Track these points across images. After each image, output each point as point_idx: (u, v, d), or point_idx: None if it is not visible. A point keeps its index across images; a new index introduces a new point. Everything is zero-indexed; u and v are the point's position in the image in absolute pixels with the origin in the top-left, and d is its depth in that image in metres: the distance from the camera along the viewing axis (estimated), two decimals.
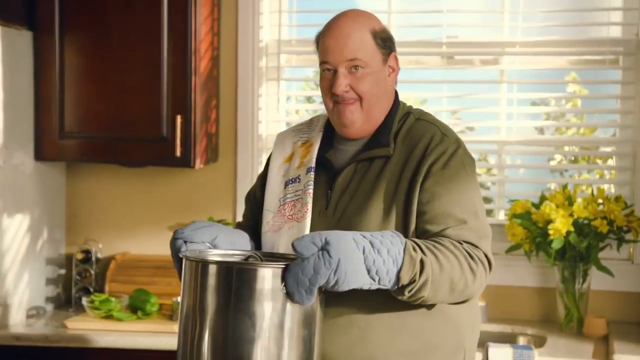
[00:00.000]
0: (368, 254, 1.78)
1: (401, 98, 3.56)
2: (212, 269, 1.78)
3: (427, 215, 1.97)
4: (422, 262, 1.84)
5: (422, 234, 1.97)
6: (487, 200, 3.59)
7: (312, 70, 3.68)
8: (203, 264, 1.80)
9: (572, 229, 3.11)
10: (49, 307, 3.49)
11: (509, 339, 3.24)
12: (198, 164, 3.33)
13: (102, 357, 3.13)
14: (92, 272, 3.48)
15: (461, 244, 1.93)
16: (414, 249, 1.84)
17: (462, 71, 3.53)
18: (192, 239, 1.95)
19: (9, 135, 3.22)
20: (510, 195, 3.46)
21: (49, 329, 3.21)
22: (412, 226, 1.98)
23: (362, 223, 1.99)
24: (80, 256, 3.48)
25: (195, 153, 3.31)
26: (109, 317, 3.25)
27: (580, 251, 3.17)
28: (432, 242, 1.90)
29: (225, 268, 1.78)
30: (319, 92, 3.64)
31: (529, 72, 3.49)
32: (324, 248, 1.74)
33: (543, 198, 3.24)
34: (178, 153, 3.27)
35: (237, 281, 1.74)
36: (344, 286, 1.77)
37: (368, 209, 2.00)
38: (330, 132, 2.15)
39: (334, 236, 1.76)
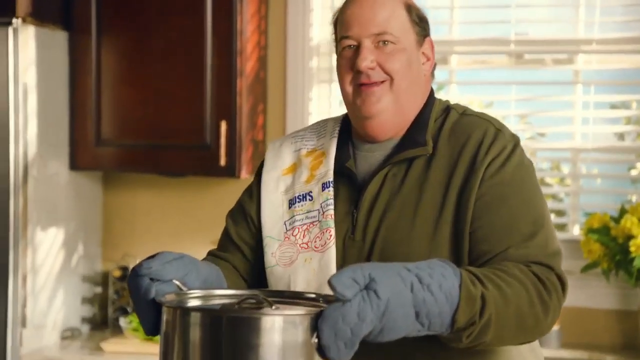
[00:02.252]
0: (417, 292, 1.48)
1: (465, 101, 3.48)
2: (217, 320, 1.41)
3: (483, 231, 1.70)
4: (483, 297, 1.55)
5: (478, 256, 1.70)
6: (560, 213, 3.53)
7: None
8: (204, 314, 1.44)
9: None
10: (85, 328, 3.52)
11: None
12: (244, 173, 3.32)
13: None
14: None
15: (528, 266, 1.65)
16: (473, 283, 1.55)
17: (532, 71, 3.49)
18: (162, 277, 1.56)
19: (43, 143, 3.26)
20: (586, 207, 3.41)
21: (85, 352, 3.23)
22: (466, 248, 1.71)
23: (404, 248, 1.72)
24: (117, 273, 3.48)
25: (241, 162, 3.30)
26: (148, 339, 3.22)
27: None
28: (492, 270, 1.62)
29: (239, 319, 1.40)
30: None
31: (607, 72, 3.45)
32: (369, 287, 1.43)
33: (623, 211, 3.18)
34: (222, 162, 3.26)
35: (252, 336, 1.39)
36: (389, 336, 1.47)
37: (410, 228, 1.73)
38: (345, 139, 1.87)
39: (378, 271, 1.45)
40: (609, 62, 3.41)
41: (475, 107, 3.62)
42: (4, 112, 3.08)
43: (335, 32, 1.85)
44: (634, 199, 3.40)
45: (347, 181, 1.82)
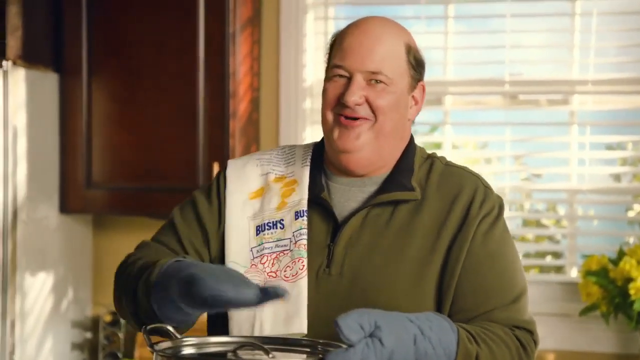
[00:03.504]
0: (419, 344, 1.50)
1: (459, 142, 3.51)
2: None
3: (471, 286, 1.70)
4: (477, 356, 1.59)
5: (461, 310, 1.70)
6: (557, 255, 3.54)
7: None
8: None
9: None
10: None
11: None
12: None
13: None
14: (121, 335, 3.47)
15: (512, 330, 1.70)
16: (469, 340, 1.59)
17: (527, 112, 3.50)
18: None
19: (33, 186, 3.25)
20: (584, 250, 3.41)
21: None
22: (449, 300, 1.71)
23: (389, 292, 1.69)
24: (108, 318, 3.48)
25: None
26: None
27: None
28: (482, 330, 1.65)
29: None
30: None
31: (603, 112, 3.45)
32: (374, 334, 1.44)
33: (621, 253, 3.18)
34: None
35: None
36: None
37: (396, 272, 1.71)
38: (317, 167, 1.83)
39: (384, 319, 1.46)
40: (605, 103, 3.41)
41: (470, 148, 3.65)
42: None
43: (329, 55, 1.81)
44: (631, 240, 3.40)
45: (322, 212, 1.77)
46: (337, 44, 1.77)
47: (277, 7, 3.52)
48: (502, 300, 1.71)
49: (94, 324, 3.57)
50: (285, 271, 1.72)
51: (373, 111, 1.74)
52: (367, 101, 1.73)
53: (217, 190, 1.84)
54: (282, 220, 1.77)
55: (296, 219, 1.76)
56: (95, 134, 3.36)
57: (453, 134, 3.52)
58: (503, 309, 1.70)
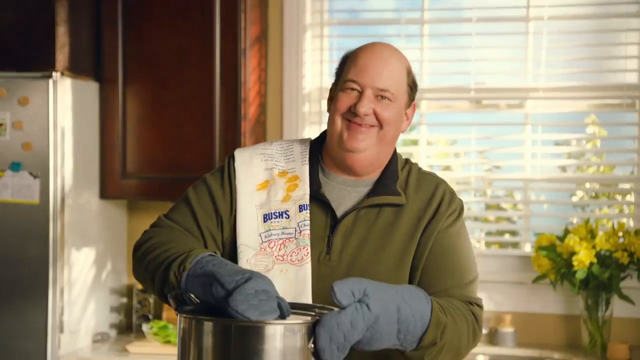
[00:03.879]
0: (402, 310, 1.50)
1: (433, 139, 3.52)
2: (226, 329, 1.41)
3: (434, 269, 1.74)
4: (445, 325, 1.60)
5: (425, 288, 1.70)
6: (513, 233, 3.54)
7: None
8: (215, 323, 1.42)
9: (594, 260, 3.06)
10: (113, 333, 3.49)
11: None
12: None
13: None
14: (151, 300, 3.46)
15: (468, 305, 1.72)
16: (440, 311, 1.60)
17: (489, 114, 3.49)
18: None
19: (77, 177, 3.24)
20: (536, 229, 3.41)
21: (113, 354, 3.20)
22: (417, 279, 1.74)
23: (374, 273, 1.70)
24: (140, 286, 3.47)
25: None
26: (167, 342, 3.23)
27: (602, 281, 3.09)
28: (448, 303, 1.67)
29: (245, 328, 1.39)
30: None
31: (552, 115, 3.44)
32: (362, 300, 1.45)
33: (567, 231, 3.19)
34: None
35: (257, 342, 1.39)
36: (375, 346, 1.48)
37: (382, 259, 1.72)
38: (314, 165, 1.81)
39: (372, 288, 1.47)
40: (553, 107, 3.41)
41: (442, 144, 3.67)
42: (45, 151, 3.08)
43: (341, 68, 1.80)
44: (575, 221, 3.40)
45: (321, 206, 1.77)
46: (352, 62, 1.77)
47: (281, 27, 3.50)
48: (459, 281, 1.74)
49: (128, 291, 3.57)
50: (291, 256, 1.71)
51: (379, 121, 1.75)
52: (375, 113, 1.75)
53: (228, 178, 1.80)
54: (288, 211, 1.75)
55: (300, 211, 1.75)
56: (129, 133, 3.36)
57: (428, 133, 3.52)
58: (460, 288, 1.74)
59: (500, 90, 3.45)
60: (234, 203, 1.78)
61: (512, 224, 3.55)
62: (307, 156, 1.82)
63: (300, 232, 1.72)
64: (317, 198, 1.77)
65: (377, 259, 1.73)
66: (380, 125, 1.76)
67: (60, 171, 3.14)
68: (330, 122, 1.78)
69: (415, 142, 3.56)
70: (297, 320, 1.45)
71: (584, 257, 3.04)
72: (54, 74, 3.10)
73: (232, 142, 3.26)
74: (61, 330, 3.12)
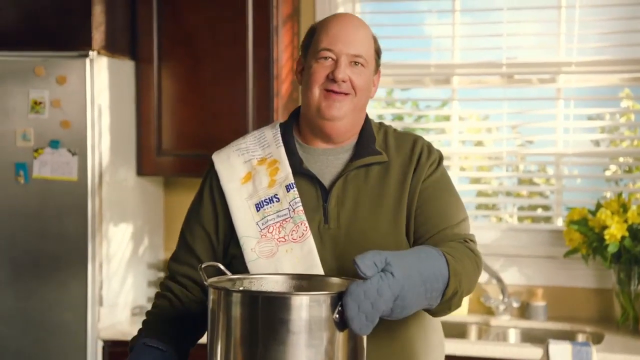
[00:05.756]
0: (423, 273, 1.52)
1: (465, 115, 3.50)
2: (254, 300, 1.43)
3: (426, 214, 1.78)
4: (459, 273, 1.63)
5: (424, 233, 1.77)
6: (546, 208, 3.54)
7: (383, 91, 3.68)
8: (243, 294, 1.44)
9: (626, 234, 3.06)
10: (150, 306, 3.52)
11: (568, 336, 3.18)
12: None
13: (195, 350, 3.16)
14: None
15: (464, 242, 1.76)
16: (454, 260, 1.62)
17: (521, 89, 3.48)
18: None
19: (114, 154, 3.28)
20: (568, 203, 3.41)
21: None
22: (412, 227, 1.79)
23: (374, 232, 1.75)
24: None
25: None
26: None
27: (634, 254, 3.09)
28: (451, 249, 1.69)
29: (272, 299, 1.41)
30: (391, 110, 3.66)
31: (585, 89, 3.42)
32: (386, 269, 1.44)
33: (599, 206, 3.19)
34: None
35: (283, 312, 1.40)
36: (406, 312, 1.48)
37: (378, 216, 1.77)
38: (289, 143, 1.84)
39: (393, 257, 1.47)
40: (586, 81, 3.38)
41: (474, 119, 3.67)
42: (83, 128, 3.12)
43: (310, 40, 1.83)
44: (607, 195, 3.39)
45: (307, 180, 1.80)
46: (323, 32, 1.80)
47: (313, 4, 3.49)
48: (451, 221, 1.79)
49: (165, 265, 3.57)
50: (292, 235, 1.75)
51: (354, 88, 1.79)
52: (350, 80, 1.78)
53: (209, 189, 1.86)
54: (276, 194, 1.78)
55: (288, 191, 1.78)
56: (164, 111, 3.38)
57: (460, 108, 3.52)
58: (454, 227, 1.78)
59: (532, 65, 3.43)
60: (217, 212, 1.83)
61: (544, 199, 3.53)
62: (280, 138, 1.85)
63: (294, 210, 1.76)
64: (302, 173, 1.81)
65: (374, 217, 1.77)
66: (355, 92, 1.79)
67: (98, 148, 3.17)
68: (307, 93, 1.80)
69: (447, 118, 3.56)
70: (321, 292, 1.48)
71: (615, 231, 3.04)
72: (90, 53, 3.13)
73: (265, 118, 3.28)
74: (100, 304, 3.17)
